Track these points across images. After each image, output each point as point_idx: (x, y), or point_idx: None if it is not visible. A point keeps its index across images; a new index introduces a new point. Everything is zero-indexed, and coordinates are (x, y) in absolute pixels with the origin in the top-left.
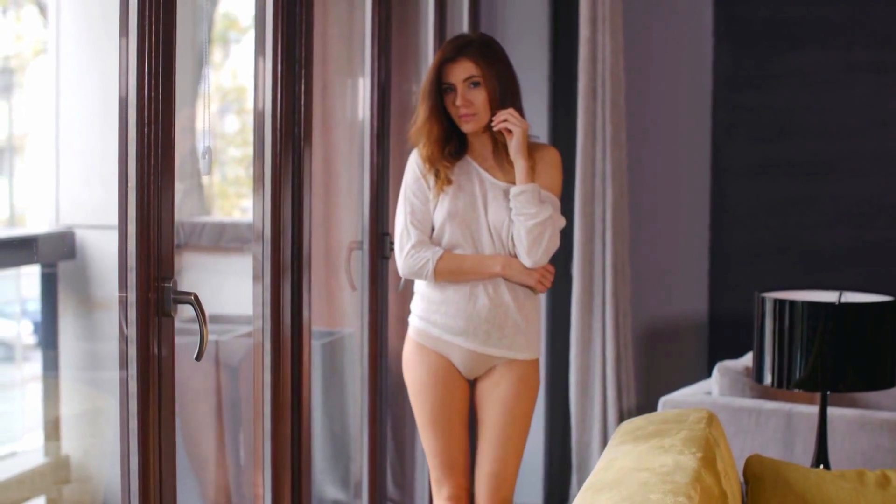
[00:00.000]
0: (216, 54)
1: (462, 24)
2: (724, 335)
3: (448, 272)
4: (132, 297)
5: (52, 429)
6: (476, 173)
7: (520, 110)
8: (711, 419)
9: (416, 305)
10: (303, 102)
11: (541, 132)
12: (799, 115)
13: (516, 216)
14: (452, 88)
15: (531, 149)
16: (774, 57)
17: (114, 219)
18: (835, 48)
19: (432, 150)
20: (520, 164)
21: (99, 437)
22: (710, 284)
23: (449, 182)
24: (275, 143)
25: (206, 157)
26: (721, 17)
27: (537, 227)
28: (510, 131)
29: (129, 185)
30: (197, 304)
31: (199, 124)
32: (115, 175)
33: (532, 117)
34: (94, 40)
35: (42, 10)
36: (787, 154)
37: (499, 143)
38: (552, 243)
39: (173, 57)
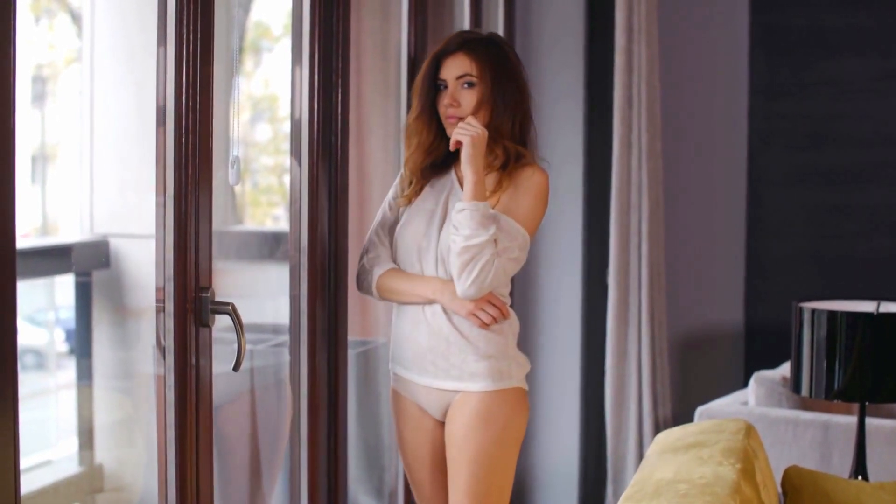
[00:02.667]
0: (248, 63)
1: (497, 33)
2: (760, 345)
3: (387, 290)
4: (170, 306)
5: (86, 437)
6: (450, 186)
7: (522, 125)
8: (750, 430)
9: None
10: (339, 111)
11: (576, 141)
12: (835, 123)
13: (452, 236)
14: (445, 85)
15: (514, 168)
16: (810, 65)
17: (148, 228)
18: (871, 56)
19: (416, 155)
20: (468, 177)
21: (133, 447)
22: (746, 294)
23: (417, 195)
24: (311, 152)
25: (235, 166)
26: (757, 26)
27: (467, 250)
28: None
29: (167, 194)
30: (234, 314)
31: (229, 133)
32: (149, 184)
33: (567, 126)
34: (129, 49)
35: (75, 19)
36: (824, 162)
37: (493, 155)
38: (487, 274)
39: (211, 66)
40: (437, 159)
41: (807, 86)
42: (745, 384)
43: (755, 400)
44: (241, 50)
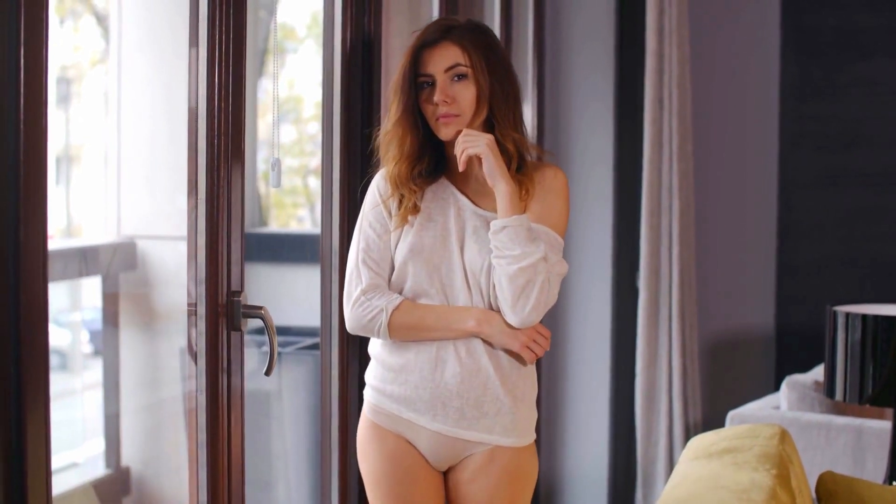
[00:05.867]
0: (272, 64)
1: (527, 35)
2: (792, 348)
3: (407, 328)
4: (201, 309)
5: (113, 440)
6: (453, 199)
7: (518, 119)
8: (784, 435)
9: (370, 373)
10: (370, 112)
11: (606, 143)
12: (867, 125)
13: (496, 259)
14: (431, 82)
15: (530, 169)
16: (842, 66)
17: (176, 230)
18: None
19: (400, 167)
20: (500, 189)
21: (160, 449)
22: (777, 297)
23: (416, 210)
24: (343, 153)
25: (276, 169)
26: (788, 27)
27: (523, 273)
28: (477, 156)
29: (199, 196)
30: (266, 318)
31: (265, 136)
32: (178, 185)
33: (597, 128)
34: (157, 50)
35: (100, 20)
36: (856, 165)
37: (507, 155)
38: (544, 295)
39: (243, 67)
40: (422, 167)
41: (838, 87)
42: (776, 388)
43: (787, 404)
44: (271, 51)
